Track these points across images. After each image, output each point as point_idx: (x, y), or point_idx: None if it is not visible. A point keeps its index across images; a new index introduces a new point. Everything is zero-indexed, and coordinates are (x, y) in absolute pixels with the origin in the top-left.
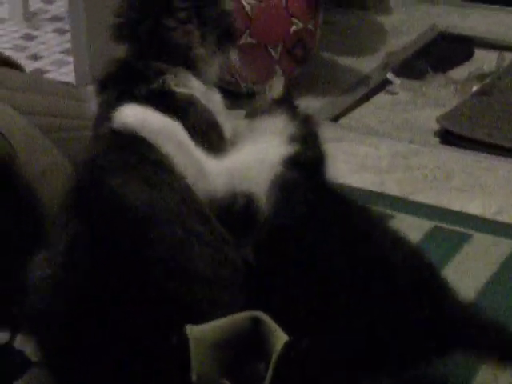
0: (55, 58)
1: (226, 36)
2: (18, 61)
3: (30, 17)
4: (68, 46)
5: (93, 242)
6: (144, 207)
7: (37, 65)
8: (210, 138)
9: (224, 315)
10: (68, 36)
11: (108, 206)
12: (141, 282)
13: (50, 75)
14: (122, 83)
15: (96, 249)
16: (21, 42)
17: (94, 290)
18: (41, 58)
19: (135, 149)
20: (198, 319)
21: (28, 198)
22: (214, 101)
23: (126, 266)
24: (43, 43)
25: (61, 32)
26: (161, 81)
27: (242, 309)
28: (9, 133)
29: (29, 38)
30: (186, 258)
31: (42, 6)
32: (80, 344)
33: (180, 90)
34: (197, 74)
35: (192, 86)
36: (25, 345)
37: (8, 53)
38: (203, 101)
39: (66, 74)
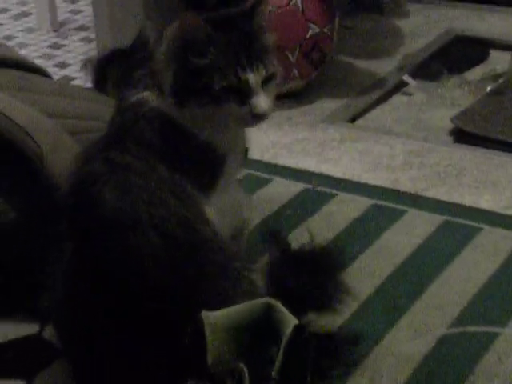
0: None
1: None
2: (47, 68)
3: (57, 27)
4: (94, 53)
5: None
6: (115, 215)
7: (64, 72)
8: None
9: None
10: (94, 44)
11: (91, 216)
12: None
13: (77, 82)
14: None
15: (85, 256)
16: (49, 51)
17: (96, 290)
18: (68, 65)
19: (107, 155)
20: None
21: (53, 194)
22: None
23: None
24: (70, 51)
25: (87, 41)
26: (144, 93)
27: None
28: (36, 134)
29: (56, 46)
30: (165, 259)
31: (69, 16)
32: (95, 335)
33: (155, 103)
34: None
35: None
36: (53, 336)
37: (36, 61)
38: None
39: None
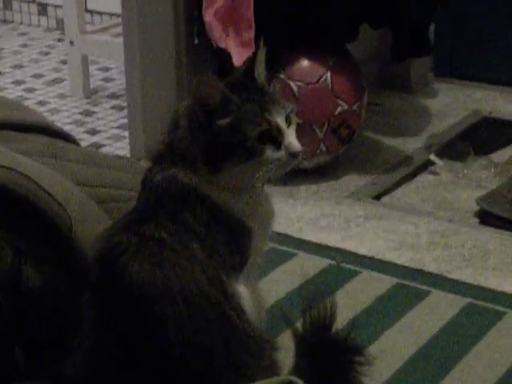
0: (112, 133)
1: None
2: (77, 135)
3: (90, 94)
4: (124, 121)
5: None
6: (144, 286)
7: (94, 139)
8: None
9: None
10: (125, 112)
11: (117, 284)
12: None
13: (106, 149)
14: (156, 162)
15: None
16: (80, 117)
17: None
18: (98, 132)
19: (138, 228)
20: None
21: (82, 263)
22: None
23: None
24: (101, 119)
25: (118, 108)
26: (172, 170)
27: None
28: (66, 203)
29: (88, 113)
30: (190, 331)
31: (101, 84)
32: None
33: (185, 180)
34: None
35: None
36: None
37: (68, 127)
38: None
39: (122, 148)
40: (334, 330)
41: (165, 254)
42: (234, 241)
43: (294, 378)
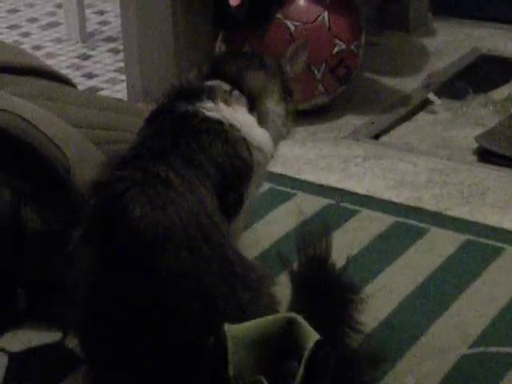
0: (109, 77)
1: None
2: (74, 79)
3: (86, 37)
4: (121, 65)
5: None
6: (147, 230)
7: (91, 83)
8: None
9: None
10: (121, 55)
11: (117, 226)
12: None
13: (104, 92)
14: (173, 98)
15: (109, 267)
16: (77, 61)
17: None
18: (96, 76)
19: (144, 164)
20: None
21: (79, 204)
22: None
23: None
24: (98, 62)
25: (115, 52)
26: (197, 104)
27: None
28: (64, 145)
29: (84, 57)
30: (194, 277)
31: (97, 27)
32: (118, 345)
33: (210, 114)
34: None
35: (230, 116)
36: (76, 344)
37: (64, 71)
38: (243, 131)
39: (119, 91)
40: (330, 266)
41: (171, 196)
42: (242, 185)
43: (293, 315)
